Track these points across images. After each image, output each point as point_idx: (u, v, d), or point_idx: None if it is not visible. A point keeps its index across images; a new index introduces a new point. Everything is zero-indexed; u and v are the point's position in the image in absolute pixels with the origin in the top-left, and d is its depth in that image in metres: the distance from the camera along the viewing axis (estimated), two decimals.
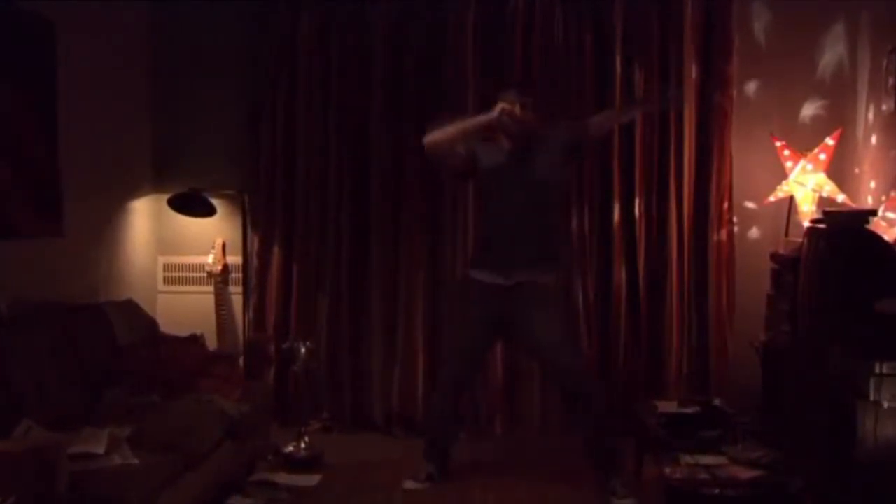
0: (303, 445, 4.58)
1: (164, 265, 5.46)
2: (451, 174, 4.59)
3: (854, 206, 4.66)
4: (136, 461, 3.14)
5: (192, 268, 5.41)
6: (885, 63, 4.51)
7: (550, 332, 4.07)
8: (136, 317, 4.56)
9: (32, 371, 3.51)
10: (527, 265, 4.05)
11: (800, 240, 4.14)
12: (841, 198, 4.68)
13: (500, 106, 3.98)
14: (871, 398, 3.22)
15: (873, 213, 4.00)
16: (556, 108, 5.07)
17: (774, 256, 4.51)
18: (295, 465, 4.49)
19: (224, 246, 5.30)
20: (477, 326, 4.22)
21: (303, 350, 4.73)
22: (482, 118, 4.05)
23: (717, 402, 4.18)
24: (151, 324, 4.67)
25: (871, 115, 4.76)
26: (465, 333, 4.31)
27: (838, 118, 5.01)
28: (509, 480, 4.38)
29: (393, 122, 5.21)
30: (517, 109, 4.01)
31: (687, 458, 3.64)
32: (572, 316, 4.99)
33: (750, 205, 5.20)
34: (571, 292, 5.06)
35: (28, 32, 4.08)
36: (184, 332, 4.45)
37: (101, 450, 3.12)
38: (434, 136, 4.04)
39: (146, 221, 5.34)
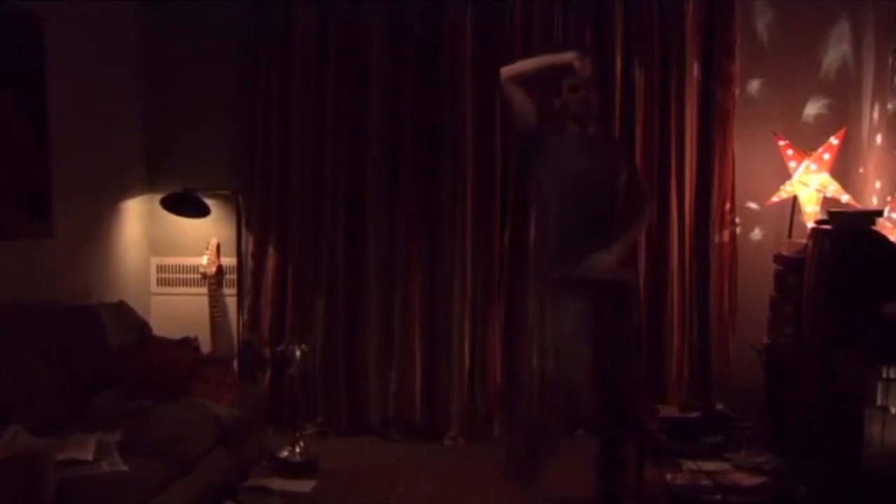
0: (298, 450, 4.56)
1: (158, 266, 5.42)
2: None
3: (859, 206, 4.63)
4: (125, 468, 3.09)
5: (186, 269, 5.37)
6: (889, 61, 4.49)
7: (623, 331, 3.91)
8: (128, 319, 4.51)
9: (21, 375, 3.46)
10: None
11: (803, 241, 4.12)
12: (845, 198, 4.65)
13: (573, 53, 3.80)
14: (878, 403, 3.19)
15: (879, 213, 3.97)
16: None
17: (777, 258, 4.46)
18: (290, 470, 4.46)
19: (218, 247, 5.26)
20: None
21: (298, 353, 4.70)
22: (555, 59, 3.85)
23: (719, 406, 4.17)
24: (144, 326, 4.62)
25: (875, 115, 4.74)
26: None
27: (842, 117, 4.99)
28: (509, 484, 4.23)
29: (389, 122, 5.18)
30: (582, 93, 3.81)
31: (689, 464, 3.62)
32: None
33: (752, 205, 5.17)
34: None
35: (15, 28, 4.01)
36: (177, 335, 4.40)
37: (89, 456, 3.08)
38: (512, 70, 3.86)
39: (139, 222, 5.29)
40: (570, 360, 3.80)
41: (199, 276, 5.23)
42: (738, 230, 5.11)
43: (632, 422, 3.96)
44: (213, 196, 5.23)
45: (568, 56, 3.80)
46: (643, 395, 4.94)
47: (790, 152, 4.80)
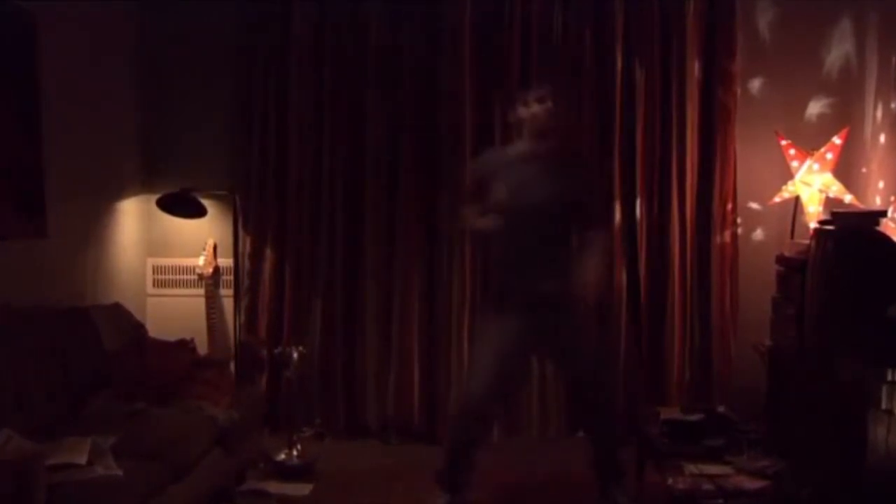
0: (295, 453, 4.53)
1: (154, 267, 5.39)
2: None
3: (862, 206, 4.62)
4: (119, 472, 3.06)
5: (182, 270, 5.34)
6: (893, 60, 4.50)
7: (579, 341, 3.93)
8: (124, 321, 4.48)
9: (14, 378, 3.41)
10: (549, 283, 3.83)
11: (806, 241, 4.11)
12: (848, 198, 4.63)
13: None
14: (883, 406, 3.20)
15: (883, 213, 3.96)
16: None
17: (780, 259, 4.44)
18: (287, 473, 4.43)
19: (215, 247, 5.23)
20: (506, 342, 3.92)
21: (295, 355, 4.69)
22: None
23: (721, 409, 4.11)
24: (139, 328, 4.59)
25: (878, 114, 4.72)
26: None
27: (845, 116, 4.96)
28: (508, 489, 4.32)
29: (388, 122, 5.16)
30: (538, 108, 3.79)
31: (690, 468, 3.57)
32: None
33: (754, 205, 5.16)
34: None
35: (6, 25, 3.96)
36: (173, 337, 4.36)
37: (82, 460, 3.04)
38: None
39: (135, 222, 5.26)
40: (478, 381, 3.87)
41: (196, 277, 5.20)
42: (739, 230, 5.09)
43: (629, 424, 3.96)
44: (210, 196, 5.19)
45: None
46: (643, 397, 4.95)
47: (792, 152, 4.78)
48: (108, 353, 4.10)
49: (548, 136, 3.84)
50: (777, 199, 4.86)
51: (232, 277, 5.26)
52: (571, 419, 5.10)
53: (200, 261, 5.17)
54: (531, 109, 3.80)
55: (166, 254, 5.38)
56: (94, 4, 4.75)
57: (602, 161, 5.06)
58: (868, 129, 4.83)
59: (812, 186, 4.67)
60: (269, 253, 5.23)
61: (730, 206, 5.02)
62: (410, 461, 4.69)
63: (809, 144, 4.79)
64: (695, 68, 5.01)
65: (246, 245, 5.25)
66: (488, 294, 4.11)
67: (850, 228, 3.78)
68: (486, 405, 3.90)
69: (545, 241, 3.81)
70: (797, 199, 4.76)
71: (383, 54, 5.13)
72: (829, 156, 4.67)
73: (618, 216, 5.08)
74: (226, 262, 5.26)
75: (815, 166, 4.67)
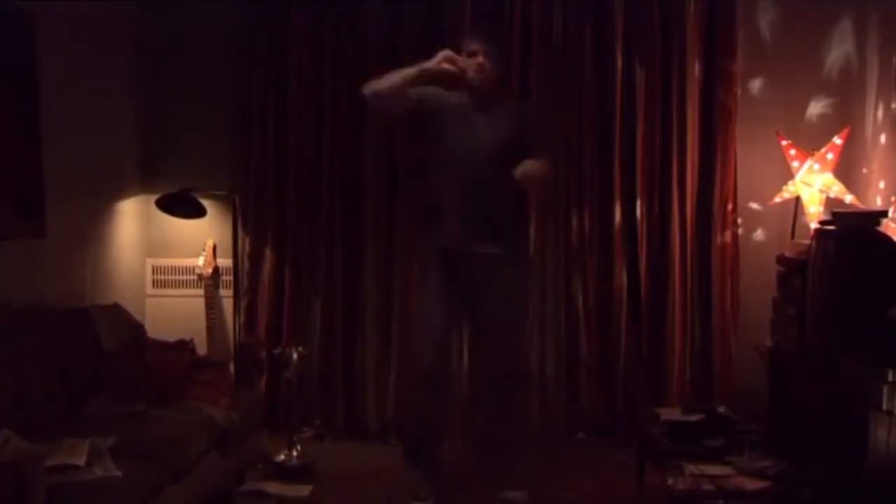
0: (294, 454, 4.51)
1: (153, 268, 5.38)
2: (402, 120, 4.36)
3: (863, 206, 4.60)
4: (118, 473, 3.04)
5: (182, 270, 5.33)
6: (894, 60, 4.47)
7: (504, 307, 3.87)
8: (123, 321, 4.45)
9: (12, 378, 3.40)
10: (482, 234, 3.82)
11: (807, 242, 4.10)
12: (849, 198, 4.62)
13: (443, 53, 3.77)
14: (884, 407, 3.18)
15: (884, 213, 3.95)
16: (554, 106, 5.06)
17: (780, 259, 4.43)
18: (286, 474, 4.41)
19: (214, 248, 5.21)
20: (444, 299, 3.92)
21: (295, 355, 4.66)
22: (423, 65, 3.80)
23: (721, 409, 4.09)
24: (138, 329, 4.57)
25: (879, 114, 4.70)
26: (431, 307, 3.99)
27: (846, 117, 4.95)
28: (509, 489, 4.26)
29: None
30: (480, 58, 3.81)
31: (691, 468, 3.56)
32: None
33: (755, 206, 5.14)
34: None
35: (6, 24, 3.95)
36: (172, 337, 4.35)
37: (81, 461, 3.03)
38: (375, 85, 3.82)
39: (134, 222, 5.25)
40: (424, 338, 3.88)
41: (195, 277, 5.18)
42: (740, 231, 5.07)
43: (629, 425, 3.93)
44: (210, 197, 5.17)
45: (435, 59, 3.76)
46: (644, 397, 4.94)
47: (793, 152, 4.76)
48: (108, 353, 4.09)
49: (482, 88, 3.85)
50: (777, 200, 4.84)
51: (231, 278, 5.24)
52: (570, 419, 5.11)
53: (200, 261, 5.15)
54: (467, 62, 3.80)
55: (166, 254, 5.36)
56: (93, 4, 4.73)
57: (601, 159, 5.09)
58: (869, 129, 4.81)
59: (813, 187, 4.65)
60: (268, 253, 5.22)
61: (730, 206, 5.00)
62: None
63: (810, 144, 4.77)
64: (695, 68, 4.99)
65: (245, 245, 5.24)
66: (425, 241, 4.04)
67: (850, 229, 3.77)
68: (438, 364, 3.91)
69: (482, 190, 3.77)
70: (798, 200, 4.75)
71: (383, 54, 5.10)
72: (830, 156, 4.66)
73: (618, 216, 5.07)
74: (225, 262, 5.25)
75: (816, 166, 4.65)
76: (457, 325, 4.17)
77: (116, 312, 4.48)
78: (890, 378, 3.16)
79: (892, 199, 4.36)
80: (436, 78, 3.83)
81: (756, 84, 5.11)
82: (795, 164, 4.73)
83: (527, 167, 3.66)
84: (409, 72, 3.81)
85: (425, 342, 3.94)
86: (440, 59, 3.75)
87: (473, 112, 3.88)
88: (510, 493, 3.91)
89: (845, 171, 4.77)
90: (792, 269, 4.20)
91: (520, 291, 4.06)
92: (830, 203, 4.61)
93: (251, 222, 5.23)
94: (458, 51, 3.86)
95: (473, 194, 3.80)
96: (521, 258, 4.11)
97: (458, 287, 3.86)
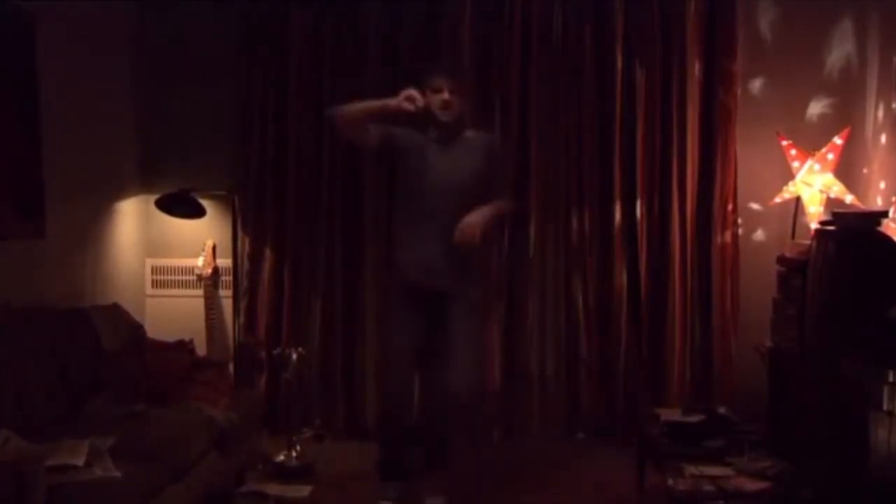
0: (294, 454, 4.52)
1: (153, 268, 5.38)
2: (367, 153, 4.37)
3: (863, 207, 4.60)
4: (118, 473, 3.04)
5: (181, 271, 5.32)
6: (894, 60, 4.47)
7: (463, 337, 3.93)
8: (122, 322, 4.45)
9: (12, 379, 3.40)
10: (446, 270, 3.88)
11: (807, 242, 4.09)
12: (849, 199, 4.61)
13: (405, 93, 3.75)
14: (885, 408, 3.17)
15: (884, 214, 3.93)
16: (554, 106, 5.06)
17: (781, 259, 4.42)
18: (286, 474, 4.41)
19: (214, 248, 5.19)
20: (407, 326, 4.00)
21: (294, 355, 4.66)
22: (386, 101, 3.80)
23: (721, 410, 4.09)
24: (138, 329, 4.56)
25: (880, 114, 4.70)
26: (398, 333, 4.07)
27: (846, 117, 4.94)
28: (509, 489, 4.30)
29: (387, 122, 5.09)
30: (445, 95, 3.83)
31: (691, 469, 3.55)
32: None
33: (755, 206, 5.13)
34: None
35: (6, 24, 3.95)
36: (172, 338, 4.35)
37: (80, 461, 3.03)
38: (340, 110, 3.88)
39: (133, 223, 5.24)
40: (393, 372, 4.03)
41: (195, 277, 5.16)
42: (740, 231, 5.06)
43: (629, 425, 3.95)
44: (209, 197, 5.17)
45: (396, 99, 3.74)
46: (644, 397, 4.93)
47: (793, 152, 4.75)
48: (107, 353, 4.08)
49: (448, 124, 3.88)
50: (778, 200, 4.83)
51: (231, 278, 5.23)
52: (570, 419, 5.12)
53: (199, 261, 5.14)
54: (432, 98, 3.82)
55: (165, 254, 5.36)
56: (93, 4, 4.73)
57: (601, 159, 5.08)
58: (869, 129, 4.81)
59: (813, 187, 4.65)
60: (268, 253, 5.21)
61: (730, 206, 4.99)
62: None
63: (810, 145, 4.77)
64: (695, 68, 4.98)
65: (245, 245, 5.23)
66: (394, 274, 4.09)
67: (851, 229, 3.76)
68: (405, 392, 4.06)
69: (445, 223, 3.78)
70: (798, 200, 4.74)
71: (383, 54, 5.11)
72: (830, 156, 4.65)
73: (618, 216, 5.06)
74: (225, 262, 5.24)
75: (816, 167, 4.65)
76: (418, 353, 4.17)
77: (116, 312, 4.47)
78: (890, 378, 3.15)
79: (893, 199, 4.36)
80: (396, 115, 3.83)
81: (756, 84, 5.11)
82: (796, 164, 4.73)
83: (462, 224, 3.71)
84: (370, 105, 3.85)
85: (391, 370, 4.10)
86: (402, 98, 3.73)
87: (439, 149, 3.90)
88: (430, 499, 3.96)
89: (846, 171, 4.76)
90: (792, 270, 4.19)
91: (475, 325, 4.11)
92: (831, 203, 4.60)
93: (251, 222, 5.22)
94: (426, 84, 3.85)
95: (435, 230, 3.83)
96: (477, 291, 4.13)
97: (420, 318, 3.94)
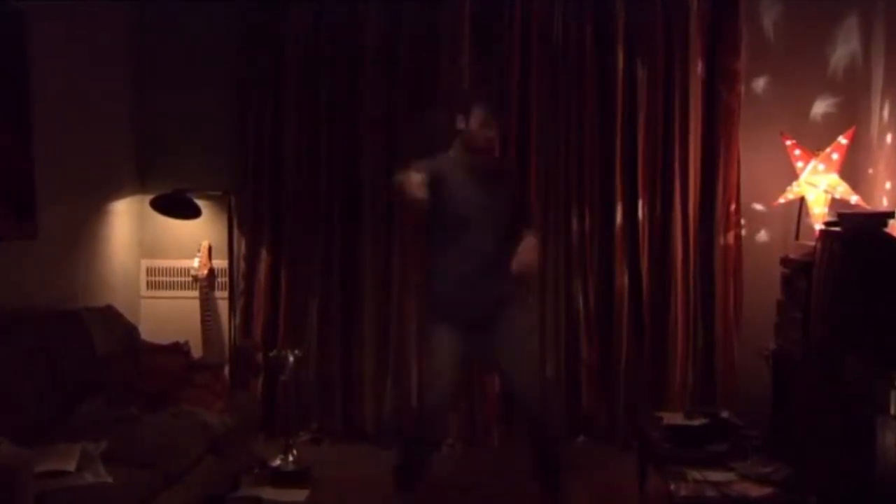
0: (290, 458, 4.51)
1: (147, 269, 5.35)
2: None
3: (869, 207, 4.58)
4: (109, 479, 3.03)
5: (177, 272, 5.30)
6: None
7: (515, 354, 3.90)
8: (116, 324, 4.44)
9: (2, 381, 3.37)
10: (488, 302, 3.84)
11: (811, 243, 4.07)
12: (854, 199, 4.60)
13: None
14: (891, 412, 3.15)
15: (890, 215, 3.90)
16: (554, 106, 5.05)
17: (784, 261, 4.41)
18: (282, 479, 4.40)
19: (210, 249, 5.19)
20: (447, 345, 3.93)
21: (291, 358, 4.65)
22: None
23: (724, 413, 4.06)
24: (132, 331, 4.55)
25: (886, 113, 4.68)
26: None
27: (851, 116, 4.93)
28: (507, 495, 4.29)
29: (384, 122, 5.12)
30: (491, 133, 3.83)
31: (693, 474, 3.52)
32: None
33: (758, 206, 5.12)
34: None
35: None
36: (167, 340, 4.34)
37: (71, 467, 3.01)
38: (405, 186, 3.64)
39: (128, 223, 5.22)
40: (435, 393, 3.91)
41: (190, 279, 5.17)
42: (743, 232, 5.06)
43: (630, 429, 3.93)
44: (205, 197, 5.15)
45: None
46: (645, 401, 4.91)
47: (797, 152, 4.74)
48: (100, 356, 4.06)
49: (483, 152, 3.86)
50: (782, 200, 4.82)
51: (227, 279, 5.22)
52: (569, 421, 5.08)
53: (195, 262, 5.14)
54: (471, 128, 3.80)
55: (160, 255, 5.34)
56: (89, 4, 4.70)
57: (603, 159, 5.07)
58: (874, 128, 4.79)
59: (817, 187, 4.63)
60: (264, 254, 5.19)
61: (733, 206, 4.98)
62: None
63: (815, 144, 4.75)
64: (698, 67, 4.97)
65: (241, 246, 5.22)
66: (431, 303, 4.03)
67: (856, 230, 3.74)
68: (442, 410, 4.05)
69: (483, 252, 3.77)
70: (802, 200, 4.73)
71: (382, 55, 5.10)
72: (835, 156, 4.63)
73: (619, 217, 5.04)
74: (221, 263, 5.23)
75: (821, 167, 4.63)
76: (465, 371, 4.24)
77: (110, 314, 4.46)
78: None
79: None
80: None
81: (760, 83, 5.09)
82: (800, 164, 4.71)
83: (520, 256, 3.67)
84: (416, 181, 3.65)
85: (433, 389, 3.95)
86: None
87: (473, 178, 3.83)
88: None
89: (851, 171, 4.75)
90: (796, 271, 4.18)
91: (531, 335, 4.17)
92: (836, 204, 4.59)
93: (247, 223, 5.20)
94: (466, 112, 3.81)
95: (475, 260, 3.78)
96: (525, 301, 4.12)
97: (466, 343, 3.85)
